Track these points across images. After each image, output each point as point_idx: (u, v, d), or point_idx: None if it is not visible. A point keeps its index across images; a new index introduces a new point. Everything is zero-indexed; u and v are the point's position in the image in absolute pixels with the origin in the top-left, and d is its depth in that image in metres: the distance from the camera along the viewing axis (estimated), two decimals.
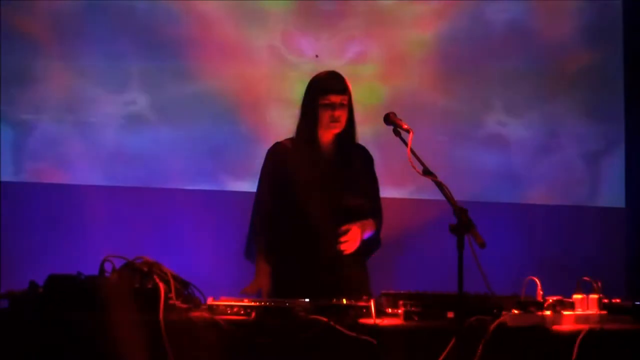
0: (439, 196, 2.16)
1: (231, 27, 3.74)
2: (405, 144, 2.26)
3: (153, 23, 3.69)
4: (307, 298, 2.11)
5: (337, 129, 2.68)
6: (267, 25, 3.75)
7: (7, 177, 3.60)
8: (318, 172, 2.71)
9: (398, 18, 3.84)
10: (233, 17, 3.72)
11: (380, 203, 2.82)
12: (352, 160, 2.78)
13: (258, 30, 3.75)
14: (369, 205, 2.75)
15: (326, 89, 2.66)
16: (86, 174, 3.65)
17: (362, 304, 2.07)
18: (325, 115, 2.65)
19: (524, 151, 3.94)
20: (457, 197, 2.11)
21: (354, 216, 2.68)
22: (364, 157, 2.84)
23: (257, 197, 2.78)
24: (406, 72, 3.85)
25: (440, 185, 2.13)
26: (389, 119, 2.39)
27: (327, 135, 2.72)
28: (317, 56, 3.54)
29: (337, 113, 2.64)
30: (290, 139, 2.77)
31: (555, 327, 2.08)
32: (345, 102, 2.67)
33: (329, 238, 2.64)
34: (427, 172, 2.18)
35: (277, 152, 2.77)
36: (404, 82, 3.83)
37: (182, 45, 3.68)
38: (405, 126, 2.32)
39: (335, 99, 2.64)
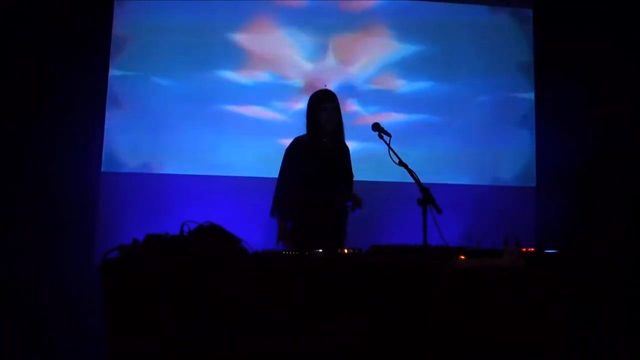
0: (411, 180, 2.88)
1: None
2: (387, 144, 3.03)
3: None
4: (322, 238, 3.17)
5: (333, 126, 3.62)
6: None
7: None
8: (326, 154, 3.64)
9: None
10: None
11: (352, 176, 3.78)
12: (342, 148, 3.72)
13: None
14: (350, 176, 3.73)
15: (323, 99, 3.61)
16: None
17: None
18: (323, 117, 3.59)
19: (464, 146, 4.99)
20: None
21: (345, 184, 3.66)
22: (346, 148, 3.76)
23: (290, 172, 3.63)
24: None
25: (410, 172, 2.89)
26: (375, 127, 3.15)
27: (326, 130, 3.63)
28: (325, 85, 4.16)
29: (332, 115, 3.59)
30: (304, 135, 3.66)
31: (491, 266, 2.65)
32: (336, 108, 3.61)
33: (334, 197, 3.61)
34: (401, 164, 2.97)
35: (299, 143, 3.67)
36: None
37: None
38: (387, 132, 3.12)
39: (329, 105, 3.58)
